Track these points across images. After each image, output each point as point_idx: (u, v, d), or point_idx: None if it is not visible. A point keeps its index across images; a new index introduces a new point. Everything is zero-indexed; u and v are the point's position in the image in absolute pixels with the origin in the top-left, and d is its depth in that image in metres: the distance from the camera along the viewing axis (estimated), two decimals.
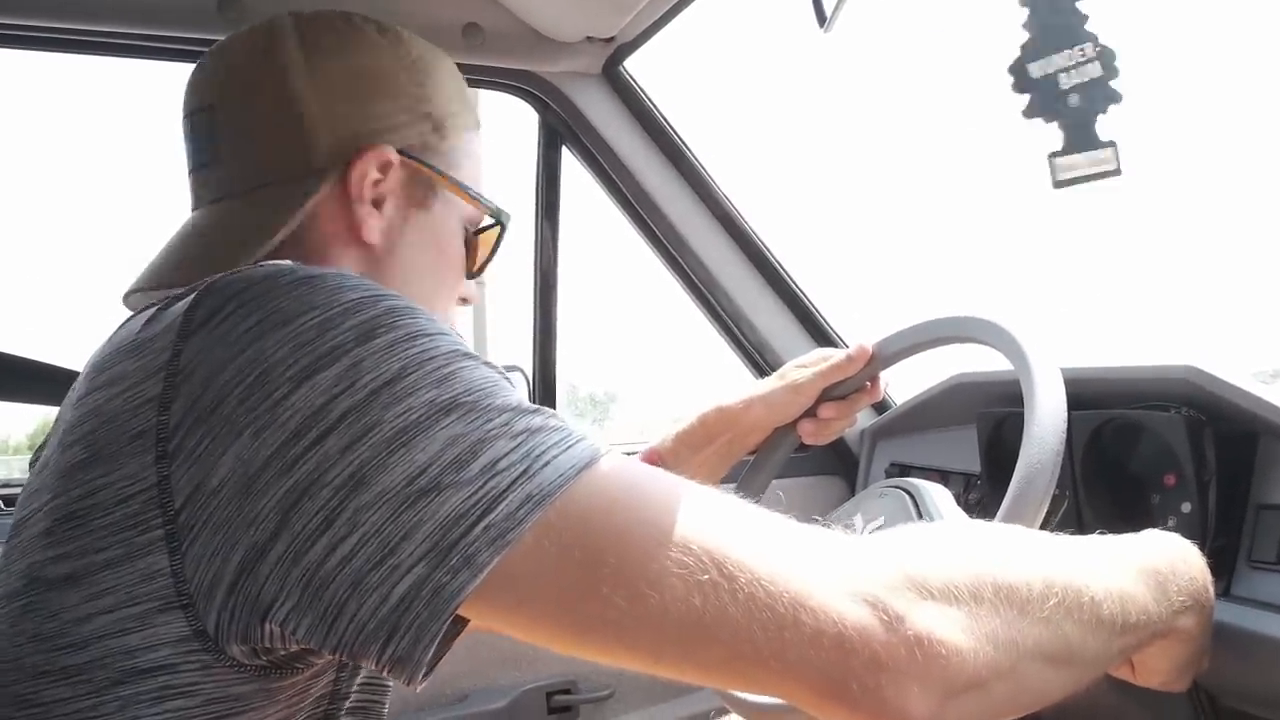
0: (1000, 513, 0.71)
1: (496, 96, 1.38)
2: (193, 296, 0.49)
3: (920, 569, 0.49)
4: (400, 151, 0.66)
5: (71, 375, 0.57)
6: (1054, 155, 0.65)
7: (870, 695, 0.46)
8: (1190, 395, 0.87)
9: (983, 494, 1.12)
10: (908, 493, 0.84)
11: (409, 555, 0.42)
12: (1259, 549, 0.82)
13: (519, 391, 0.50)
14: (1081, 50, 0.64)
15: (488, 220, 0.73)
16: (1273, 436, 0.83)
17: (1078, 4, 0.64)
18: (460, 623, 0.44)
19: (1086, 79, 0.64)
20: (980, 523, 0.58)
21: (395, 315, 0.48)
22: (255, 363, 0.45)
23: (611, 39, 1.28)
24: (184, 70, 0.69)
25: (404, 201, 0.67)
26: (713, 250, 1.43)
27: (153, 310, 0.52)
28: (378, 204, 0.65)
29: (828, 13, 0.77)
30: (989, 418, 1.09)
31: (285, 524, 0.43)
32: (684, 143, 1.41)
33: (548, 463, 0.45)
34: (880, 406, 1.43)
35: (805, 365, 0.97)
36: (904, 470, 1.28)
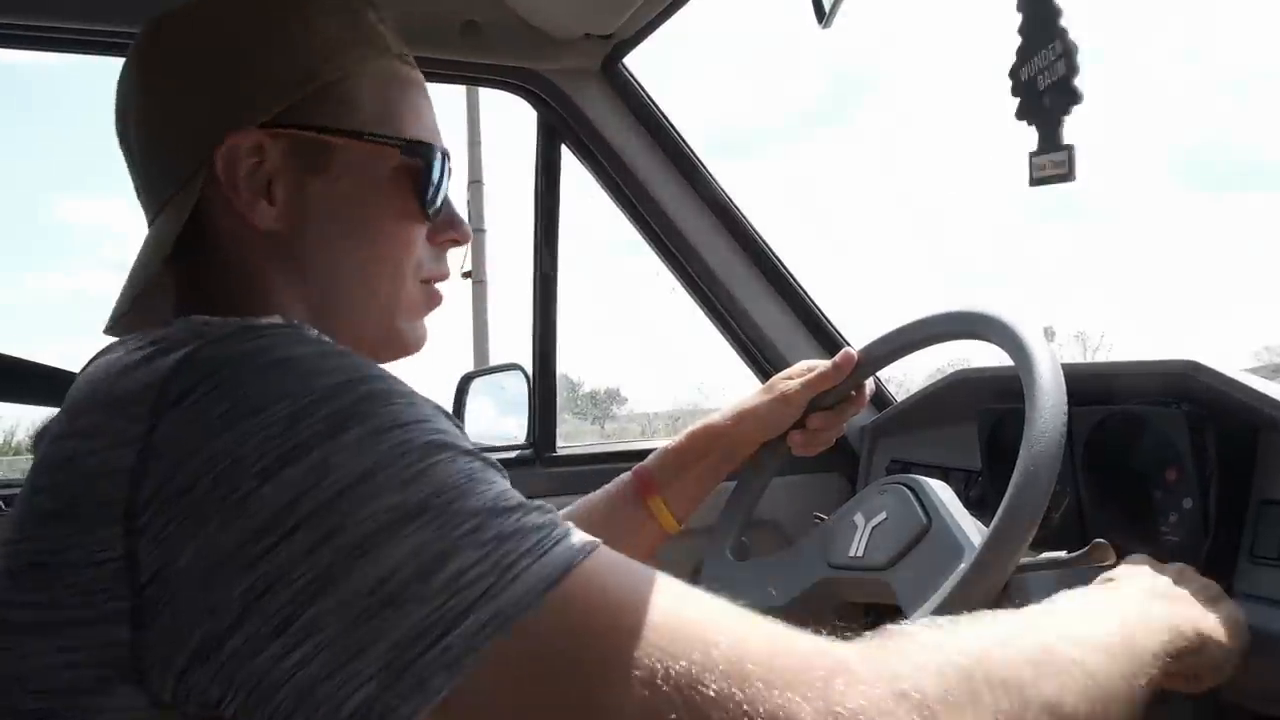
0: (1001, 508, 0.70)
1: (495, 94, 1.39)
2: (172, 363, 0.47)
3: (913, 681, 0.47)
4: (269, 124, 0.60)
5: (71, 378, 0.56)
6: (1032, 154, 0.67)
7: None
8: (1192, 390, 0.87)
9: (984, 490, 1.12)
10: (910, 489, 0.84)
11: (362, 671, 0.40)
12: (1261, 544, 0.82)
13: (502, 480, 0.47)
14: (1052, 48, 0.64)
15: (408, 157, 0.64)
16: (1274, 431, 0.83)
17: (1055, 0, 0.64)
18: None
19: (1055, 78, 0.65)
20: (946, 619, 0.55)
21: (370, 403, 0.46)
22: (224, 454, 0.43)
23: (610, 36, 1.28)
24: None
25: (294, 175, 0.61)
26: (712, 247, 1.43)
27: (135, 356, 0.49)
28: (269, 187, 0.61)
29: (826, 9, 0.77)
30: (990, 414, 1.09)
31: (243, 620, 0.41)
32: (683, 139, 1.41)
33: (517, 576, 0.43)
34: (881, 403, 1.43)
35: (791, 377, 0.96)
36: (905, 467, 1.28)
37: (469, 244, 0.81)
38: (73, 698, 0.44)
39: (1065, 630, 0.58)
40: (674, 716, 0.42)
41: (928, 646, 0.50)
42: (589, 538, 0.47)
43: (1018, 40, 0.67)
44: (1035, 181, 0.66)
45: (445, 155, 0.67)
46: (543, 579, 0.43)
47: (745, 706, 0.42)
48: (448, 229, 0.69)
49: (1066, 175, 0.66)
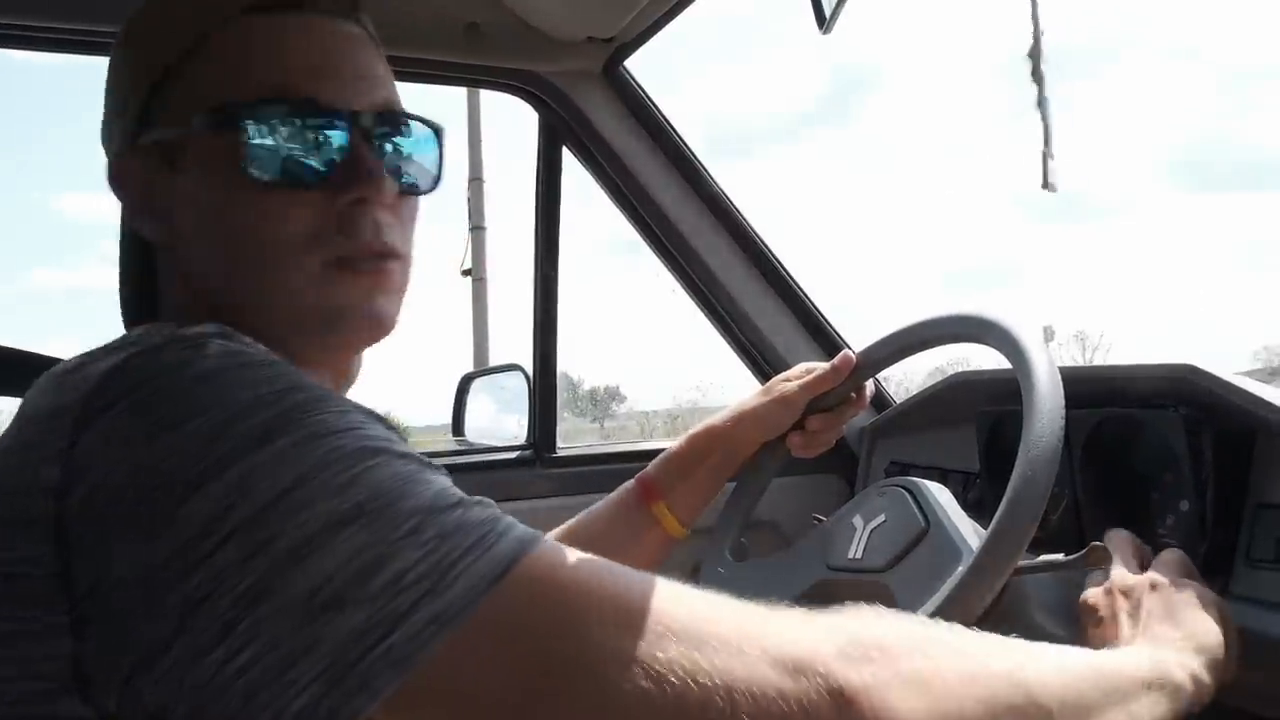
0: (999, 511, 0.71)
1: (497, 96, 1.39)
2: (97, 375, 0.47)
3: (867, 634, 0.48)
4: (127, 146, 0.61)
5: (50, 362, 0.55)
6: (1046, 154, 0.65)
7: None
8: (1189, 394, 0.87)
9: (982, 492, 1.12)
10: (908, 491, 0.85)
11: (305, 674, 0.41)
12: (1257, 547, 0.82)
13: (441, 478, 0.47)
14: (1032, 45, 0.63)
15: (253, 124, 0.56)
16: (1271, 435, 0.83)
17: None
18: None
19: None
20: (931, 619, 0.57)
21: (297, 412, 0.45)
22: (147, 468, 0.43)
23: (612, 39, 1.28)
24: None
25: (163, 182, 0.59)
26: (713, 249, 1.44)
27: (71, 365, 0.49)
28: (149, 202, 0.61)
29: (827, 14, 0.77)
30: (988, 416, 1.10)
31: (184, 627, 0.41)
32: (684, 142, 1.41)
33: (459, 575, 0.43)
34: (880, 405, 1.43)
35: (790, 379, 0.97)
36: (904, 469, 1.28)
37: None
38: (23, 708, 0.44)
39: (1038, 651, 0.58)
40: (630, 689, 0.43)
41: (874, 608, 0.52)
42: (532, 531, 0.47)
43: (1031, 28, 0.65)
44: (1049, 185, 0.65)
45: (311, 103, 0.57)
46: (486, 575, 0.44)
47: (705, 668, 0.43)
48: (349, 186, 0.57)
49: (1044, 185, 0.65)
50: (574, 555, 0.48)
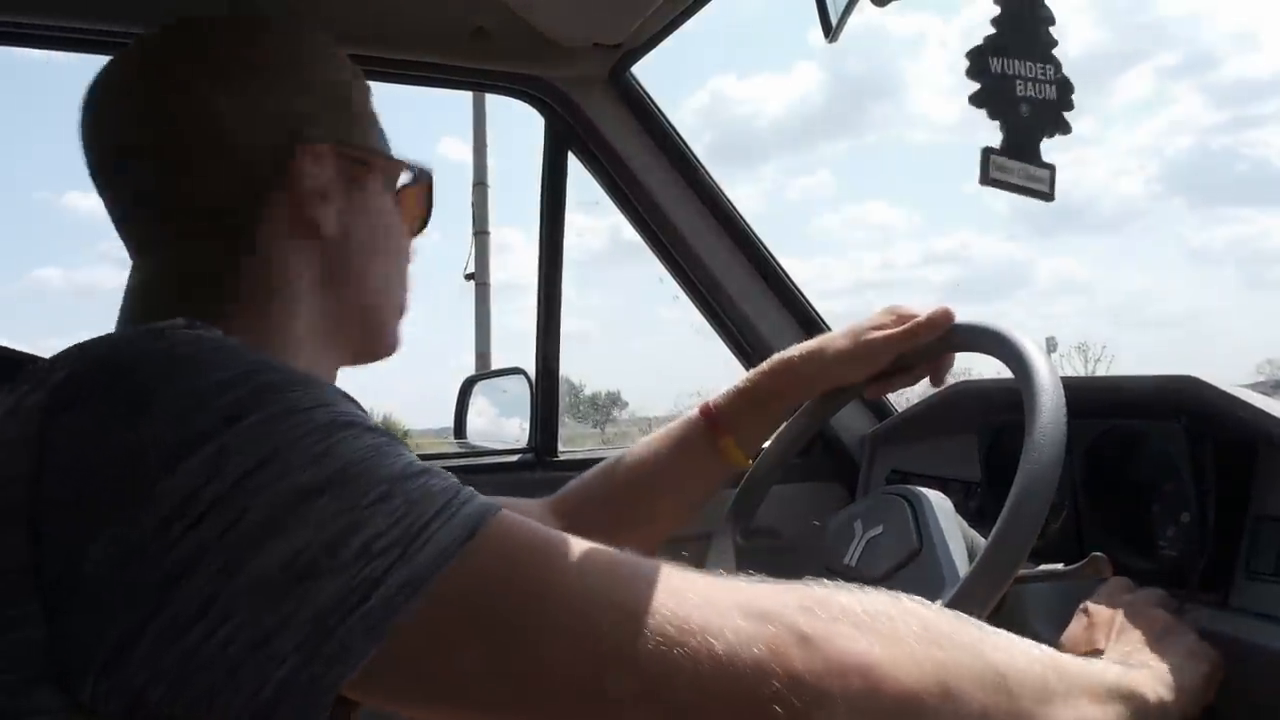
0: (999, 521, 0.71)
1: (504, 101, 1.39)
2: (66, 371, 0.47)
3: (831, 596, 0.50)
4: (325, 140, 0.66)
5: (18, 358, 0.55)
6: (990, 151, 0.66)
7: (797, 716, 0.45)
8: (1190, 405, 0.87)
9: (983, 502, 1.12)
10: (909, 504, 0.85)
11: (284, 645, 0.42)
12: (1257, 560, 0.82)
13: (408, 453, 0.48)
14: (1043, 69, 0.65)
15: (406, 177, 0.74)
16: (1272, 447, 0.83)
17: (1050, 27, 0.65)
18: (349, 705, 0.44)
19: (1041, 96, 0.65)
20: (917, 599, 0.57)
21: (267, 392, 0.47)
22: (121, 450, 0.44)
23: (618, 45, 1.28)
24: None
25: (343, 187, 0.67)
26: (718, 256, 1.44)
27: (45, 364, 0.50)
28: (324, 198, 0.65)
29: (833, 23, 0.78)
30: (989, 425, 1.10)
31: (161, 607, 0.42)
32: (688, 148, 1.42)
33: (428, 540, 0.44)
34: (881, 412, 1.43)
35: (882, 327, 0.93)
36: (904, 477, 1.28)
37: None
38: (7, 698, 0.44)
39: (1008, 636, 0.58)
40: (596, 647, 0.44)
41: (846, 584, 0.54)
42: (493, 499, 0.49)
43: (989, 28, 0.66)
44: (991, 181, 0.66)
45: (431, 180, 0.76)
46: (453, 540, 0.45)
47: (675, 626, 0.45)
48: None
49: (1046, 194, 0.66)
50: (533, 525, 0.49)
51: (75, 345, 0.50)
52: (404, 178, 0.74)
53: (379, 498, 0.45)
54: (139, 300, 0.63)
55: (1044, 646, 0.60)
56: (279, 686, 0.42)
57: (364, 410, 0.51)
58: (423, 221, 0.76)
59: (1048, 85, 0.65)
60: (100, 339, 0.50)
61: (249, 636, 0.42)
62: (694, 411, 0.96)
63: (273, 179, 0.63)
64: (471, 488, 0.49)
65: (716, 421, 0.94)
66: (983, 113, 0.66)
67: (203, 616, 0.42)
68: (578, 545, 0.48)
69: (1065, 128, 0.65)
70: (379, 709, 0.46)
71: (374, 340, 0.72)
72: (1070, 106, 0.65)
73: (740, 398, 0.95)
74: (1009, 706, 0.53)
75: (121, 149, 0.64)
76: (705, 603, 0.47)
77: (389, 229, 0.72)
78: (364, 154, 0.69)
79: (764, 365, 0.96)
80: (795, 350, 0.95)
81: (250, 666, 0.42)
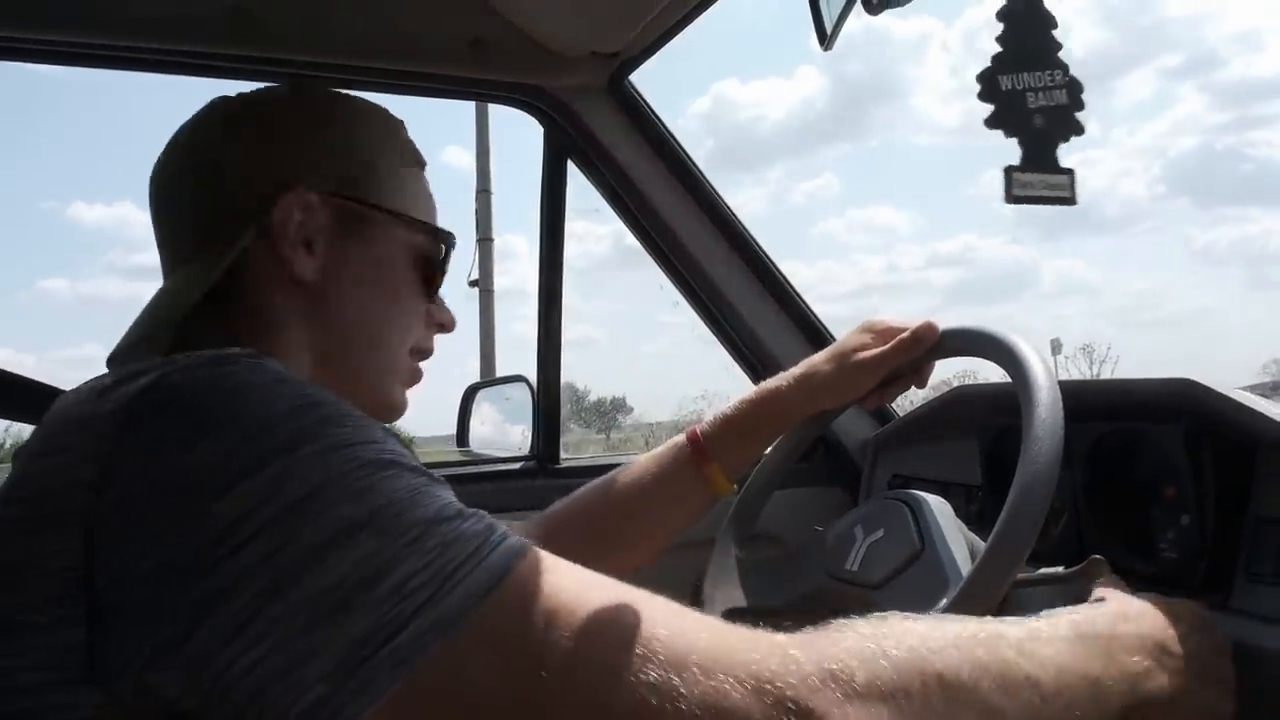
0: (998, 524, 0.71)
1: (503, 111, 1.40)
2: (139, 387, 0.50)
3: (844, 665, 0.49)
4: (322, 190, 0.69)
5: (51, 392, 0.57)
6: (1012, 169, 0.66)
7: None
8: (1189, 408, 0.87)
9: (984, 506, 1.12)
10: (909, 508, 0.85)
11: (313, 673, 0.43)
12: (1257, 562, 0.82)
13: (446, 493, 0.50)
14: (1051, 75, 0.65)
15: (428, 241, 0.76)
16: (1272, 450, 0.83)
17: (1054, 31, 0.65)
18: None
19: (1053, 104, 0.65)
20: (907, 615, 0.57)
21: (324, 425, 0.49)
22: (184, 469, 0.46)
23: (616, 54, 1.29)
24: (195, 83, 0.72)
25: (334, 236, 0.70)
26: (717, 262, 1.45)
27: (108, 382, 0.53)
28: (309, 244, 0.68)
29: (828, 30, 0.78)
30: (989, 429, 1.10)
31: (200, 623, 0.44)
32: (687, 155, 1.42)
33: (459, 583, 0.46)
34: (883, 417, 1.44)
35: (867, 346, 0.93)
36: (906, 482, 1.28)
37: (475, 254, 0.87)
38: (38, 697, 0.46)
39: (1031, 648, 0.58)
40: (614, 704, 0.45)
41: (865, 637, 0.53)
42: (523, 540, 0.50)
43: (994, 48, 0.67)
44: (1015, 199, 0.66)
45: (452, 246, 0.78)
46: (483, 583, 0.46)
47: (682, 690, 0.45)
48: (441, 312, 0.79)
49: (1069, 199, 0.66)
50: (564, 565, 0.50)
51: (143, 366, 0.52)
52: (424, 244, 0.75)
53: (415, 539, 0.46)
54: (149, 314, 0.68)
55: (1039, 642, 0.60)
56: (303, 712, 0.43)
57: (407, 446, 0.53)
58: (432, 285, 0.77)
59: (1058, 91, 0.65)
60: (171, 359, 0.52)
61: (278, 661, 0.43)
62: (682, 437, 0.97)
63: (249, 220, 0.67)
64: (506, 528, 0.50)
65: (703, 449, 0.95)
66: (981, 113, 0.67)
67: (237, 637, 0.43)
68: (600, 588, 0.49)
69: (1079, 129, 0.65)
70: None
71: (368, 395, 0.72)
72: (1081, 106, 0.65)
73: (727, 426, 0.95)
74: None
75: (154, 184, 0.72)
76: (707, 671, 0.46)
77: (391, 287, 0.73)
78: (365, 208, 0.71)
79: (751, 394, 0.97)
80: (782, 379, 0.96)
81: (277, 690, 0.43)
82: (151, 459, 0.47)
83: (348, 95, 0.76)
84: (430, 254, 0.76)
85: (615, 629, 0.47)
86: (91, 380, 0.55)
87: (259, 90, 0.74)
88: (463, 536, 0.48)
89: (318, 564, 0.44)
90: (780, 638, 0.51)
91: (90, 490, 0.47)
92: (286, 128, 0.71)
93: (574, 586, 0.49)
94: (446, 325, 0.79)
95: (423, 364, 0.79)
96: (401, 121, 0.77)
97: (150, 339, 0.65)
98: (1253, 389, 0.88)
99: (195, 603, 0.44)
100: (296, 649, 0.43)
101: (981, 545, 0.79)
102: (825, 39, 0.79)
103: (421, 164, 0.78)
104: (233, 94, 0.74)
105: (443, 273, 0.78)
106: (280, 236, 0.67)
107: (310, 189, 0.68)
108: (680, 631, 0.48)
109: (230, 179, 0.69)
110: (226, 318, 0.67)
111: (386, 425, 0.54)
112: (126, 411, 0.49)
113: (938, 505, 0.84)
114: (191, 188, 0.70)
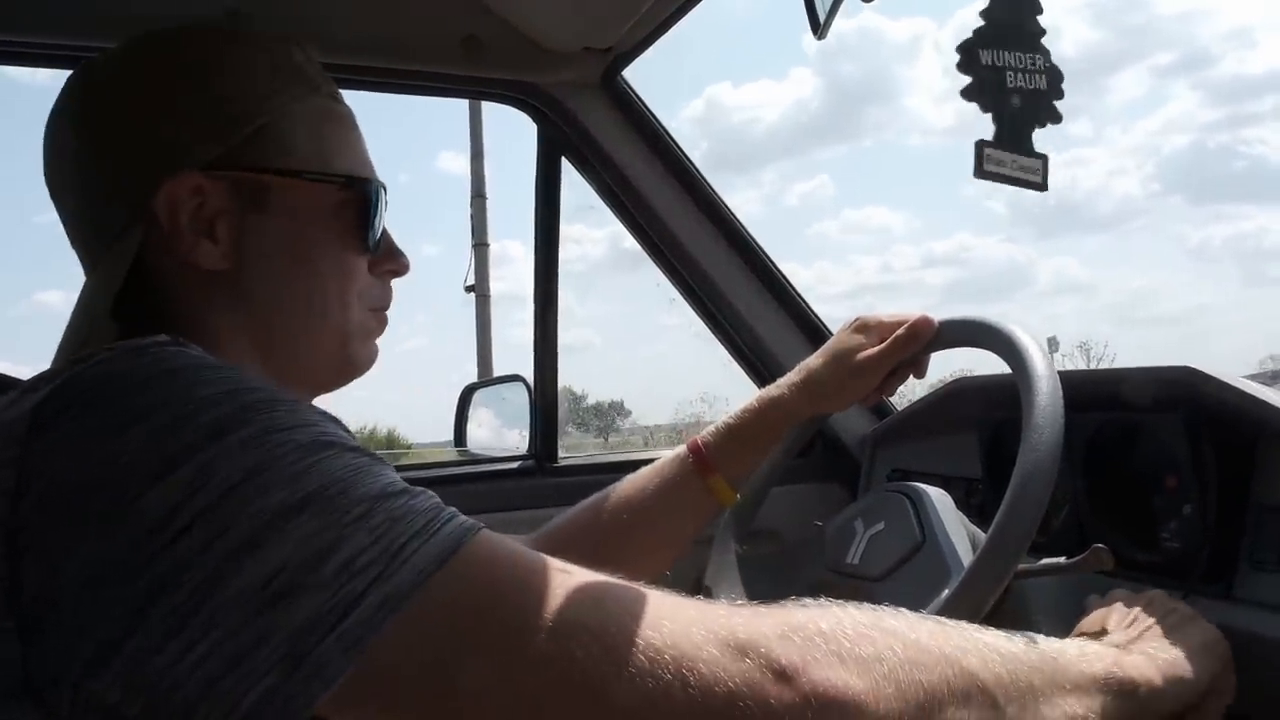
0: (998, 516, 0.71)
1: (502, 113, 1.40)
2: (51, 388, 0.47)
3: (812, 621, 0.49)
4: (206, 166, 0.62)
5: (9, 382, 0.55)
6: (984, 144, 0.66)
7: None
8: (1190, 397, 0.87)
9: (984, 498, 1.12)
10: (909, 499, 0.84)
11: (261, 663, 0.41)
12: (1260, 550, 0.82)
13: (390, 472, 0.48)
14: (1032, 59, 0.65)
15: (346, 192, 0.67)
16: (1273, 438, 0.83)
17: (1038, 16, 0.65)
18: None
19: (1031, 86, 0.65)
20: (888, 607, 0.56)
21: (252, 411, 0.46)
22: (105, 463, 0.44)
23: (609, 49, 1.28)
24: None
25: (235, 214, 0.63)
26: (713, 259, 1.44)
27: (25, 387, 0.49)
28: (211, 228, 0.62)
29: (821, 19, 0.78)
30: (989, 423, 1.09)
31: (139, 622, 0.42)
32: (682, 151, 1.42)
33: (407, 559, 0.44)
34: (881, 412, 1.43)
35: (864, 346, 0.91)
36: (906, 476, 1.28)
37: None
38: None
39: (991, 639, 0.58)
40: (569, 674, 0.44)
41: (831, 604, 0.53)
42: (472, 519, 0.48)
43: (978, 20, 0.66)
44: (985, 174, 0.66)
45: (381, 188, 0.70)
46: (434, 557, 0.45)
47: (652, 655, 0.44)
48: (388, 260, 0.72)
49: (1039, 184, 0.66)
50: (513, 545, 0.49)
51: (58, 363, 0.50)
52: (337, 196, 0.67)
53: (359, 516, 0.44)
54: (68, 331, 0.63)
55: (1037, 642, 0.60)
56: (255, 703, 0.41)
57: (348, 431, 0.51)
58: (362, 237, 0.68)
59: (1037, 75, 0.65)
60: (83, 356, 0.49)
61: (226, 653, 0.41)
62: (684, 448, 0.96)
63: (136, 218, 0.61)
64: (454, 508, 0.49)
65: (706, 460, 0.94)
66: (976, 115, 0.66)
67: (180, 632, 0.41)
68: (558, 568, 0.48)
69: (1056, 117, 0.65)
70: None
71: (325, 361, 0.68)
72: (1060, 95, 0.65)
73: (729, 436, 0.95)
74: (993, 718, 0.53)
75: (51, 184, 0.66)
76: (683, 633, 0.46)
77: (308, 248, 0.66)
78: (255, 175, 0.64)
79: (752, 402, 0.96)
80: (783, 385, 0.95)
81: (227, 683, 0.41)
82: (69, 457, 0.44)
83: (219, 36, 0.66)
84: (354, 204, 0.67)
85: (574, 600, 0.46)
86: (13, 391, 0.52)
87: (111, 57, 0.65)
88: (411, 512, 0.46)
89: (257, 551, 0.42)
90: (741, 605, 0.51)
91: (9, 498, 0.44)
92: (152, 101, 0.62)
93: (530, 561, 0.48)
94: (399, 270, 0.72)
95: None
96: (291, 40, 0.68)
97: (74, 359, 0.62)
98: (1252, 378, 0.87)
99: (132, 600, 0.42)
100: (242, 640, 0.41)
101: (983, 536, 0.78)
102: (818, 27, 0.78)
103: (327, 88, 0.69)
104: (79, 70, 0.65)
105: (373, 220, 0.69)
106: (174, 230, 0.61)
107: (194, 168, 0.61)
108: (643, 603, 0.47)
109: (103, 175, 0.62)
110: (145, 320, 0.60)
111: (334, 416, 0.51)
112: (37, 412, 0.46)
113: (938, 497, 0.84)
114: (69, 183, 0.64)
